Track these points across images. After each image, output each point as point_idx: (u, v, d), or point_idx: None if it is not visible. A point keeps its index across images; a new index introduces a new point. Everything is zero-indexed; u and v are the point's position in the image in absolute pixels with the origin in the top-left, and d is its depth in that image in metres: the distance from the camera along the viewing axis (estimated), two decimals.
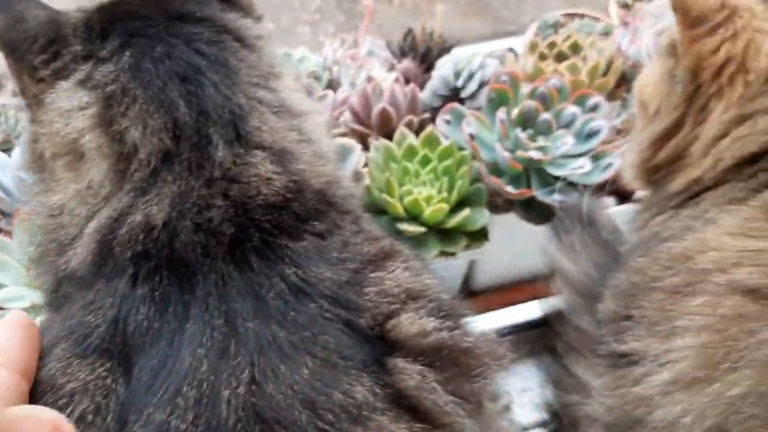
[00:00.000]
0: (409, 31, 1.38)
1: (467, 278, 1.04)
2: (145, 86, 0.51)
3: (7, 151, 1.00)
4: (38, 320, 0.57)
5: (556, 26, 1.46)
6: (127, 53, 0.53)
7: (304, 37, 2.92)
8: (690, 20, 0.67)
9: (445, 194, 0.91)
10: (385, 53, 1.35)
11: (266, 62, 0.58)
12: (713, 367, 0.55)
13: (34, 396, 0.46)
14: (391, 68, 1.29)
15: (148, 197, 0.49)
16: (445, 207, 0.90)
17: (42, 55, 0.54)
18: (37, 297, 0.84)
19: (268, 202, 0.51)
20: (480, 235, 0.94)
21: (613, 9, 1.55)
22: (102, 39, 0.54)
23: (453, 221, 0.91)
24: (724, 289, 0.56)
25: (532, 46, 1.09)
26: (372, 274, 0.51)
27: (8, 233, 0.89)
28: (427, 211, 0.89)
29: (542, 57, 1.08)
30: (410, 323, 0.48)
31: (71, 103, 0.52)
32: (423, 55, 1.31)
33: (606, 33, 1.31)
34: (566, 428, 0.76)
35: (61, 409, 0.43)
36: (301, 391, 0.43)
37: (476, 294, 1.06)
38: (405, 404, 0.46)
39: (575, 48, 1.08)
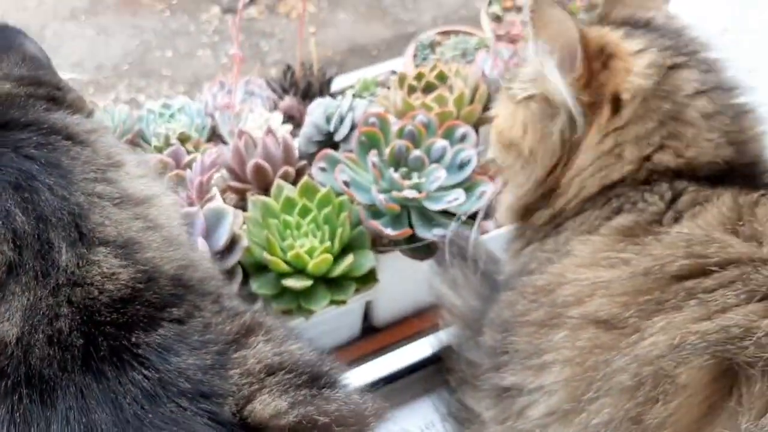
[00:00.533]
0: (288, 68, 1.38)
1: (366, 318, 1.05)
2: None
3: None
4: None
5: (432, 45, 1.49)
6: None
7: (206, 59, 2.88)
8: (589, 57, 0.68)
9: (327, 243, 0.91)
10: (267, 92, 1.34)
11: (102, 155, 0.57)
12: (578, 398, 0.57)
13: None
14: (275, 106, 1.29)
15: None
16: (329, 257, 0.90)
17: None
18: None
19: (113, 297, 0.50)
20: (369, 278, 0.94)
21: (485, 22, 1.60)
22: None
23: (339, 269, 0.91)
24: (580, 323, 0.59)
25: (401, 81, 1.11)
26: (235, 354, 0.51)
27: None
28: (312, 263, 0.89)
29: (411, 89, 1.10)
30: (264, 407, 0.48)
31: None
32: (304, 90, 1.31)
33: (479, 47, 1.35)
34: None
35: None
36: None
37: (379, 330, 1.07)
38: None
39: (442, 77, 1.11)
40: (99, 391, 0.47)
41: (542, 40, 0.67)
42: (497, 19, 1.63)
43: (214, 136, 1.30)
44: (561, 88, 0.66)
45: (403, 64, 1.43)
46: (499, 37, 1.53)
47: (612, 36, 0.69)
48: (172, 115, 1.27)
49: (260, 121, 1.15)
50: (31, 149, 0.53)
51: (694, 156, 0.65)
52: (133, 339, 0.49)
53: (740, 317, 0.51)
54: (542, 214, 0.74)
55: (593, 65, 0.66)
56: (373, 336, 1.07)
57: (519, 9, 1.57)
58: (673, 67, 0.66)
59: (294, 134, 1.10)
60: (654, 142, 0.65)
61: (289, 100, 1.29)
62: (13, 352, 0.47)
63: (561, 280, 0.63)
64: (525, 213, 0.75)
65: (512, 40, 1.47)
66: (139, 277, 0.52)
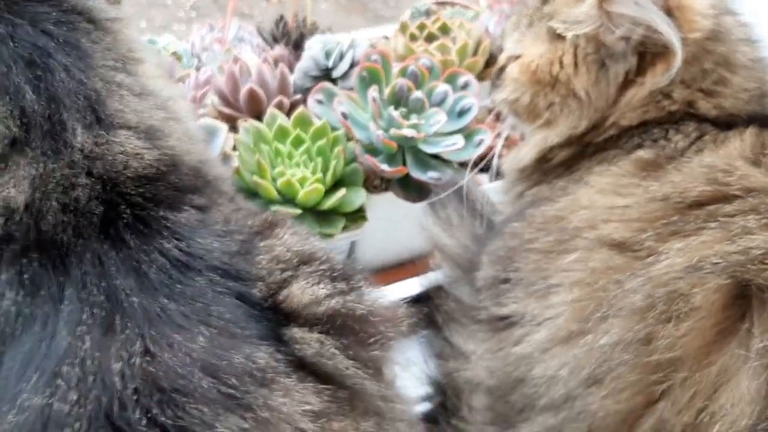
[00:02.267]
0: (281, 18, 1.34)
1: (349, 259, 1.02)
2: None
3: None
4: None
5: (428, 13, 1.47)
6: None
7: (181, 34, 2.82)
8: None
9: (320, 175, 0.89)
10: (257, 40, 1.30)
11: (124, 46, 0.55)
12: (586, 319, 0.56)
13: None
14: (263, 55, 1.25)
15: (1, 181, 0.46)
16: (321, 188, 0.87)
17: None
18: None
19: (139, 174, 0.49)
20: (358, 216, 0.92)
21: None
22: None
23: (329, 202, 0.88)
24: (593, 244, 0.58)
25: (403, 27, 1.10)
26: (261, 243, 0.51)
27: None
28: (302, 193, 0.86)
29: (413, 38, 1.08)
30: (302, 292, 0.48)
31: None
32: (296, 41, 1.27)
33: (475, 19, 1.34)
34: (449, 398, 0.76)
35: None
36: (200, 359, 0.41)
37: None
38: (307, 370, 0.46)
39: (444, 29, 1.09)
40: (119, 258, 0.45)
41: None
42: None
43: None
44: (662, 23, 0.62)
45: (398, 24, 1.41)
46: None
47: None
48: (158, 52, 1.23)
49: (249, 62, 1.12)
50: (49, 25, 0.51)
51: (730, 106, 0.64)
52: (161, 213, 0.48)
53: (761, 240, 0.51)
54: (561, 153, 0.73)
55: (670, 2, 0.65)
56: None
57: None
58: (724, 12, 0.66)
59: None
60: (704, 86, 0.65)
61: (279, 49, 1.25)
62: (21, 218, 0.46)
63: (574, 207, 0.62)
64: (546, 153, 0.73)
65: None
66: (164, 160, 0.51)
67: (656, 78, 0.65)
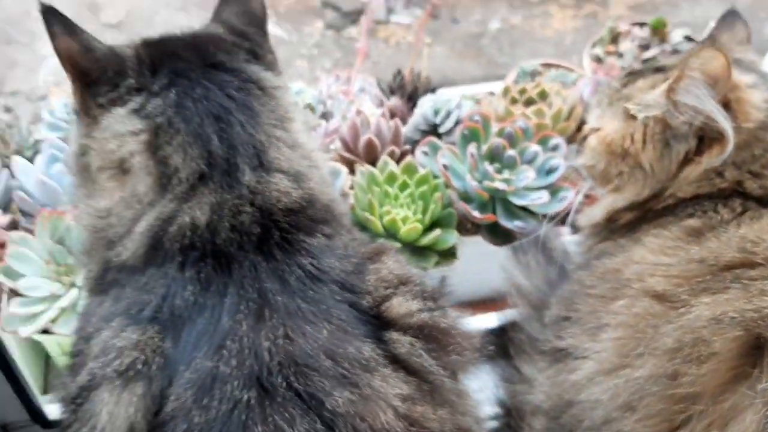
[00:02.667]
0: (399, 72, 1.52)
1: (440, 289, 1.16)
2: (187, 121, 0.64)
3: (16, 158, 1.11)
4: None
5: (533, 74, 1.61)
6: (173, 91, 0.65)
7: (302, 70, 3.05)
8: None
9: (419, 216, 1.04)
10: (376, 90, 1.48)
11: (283, 108, 0.71)
12: (626, 355, 0.67)
13: (87, 356, 0.57)
14: (381, 104, 1.43)
15: (190, 204, 0.62)
16: (419, 227, 1.02)
17: (106, 85, 0.66)
18: (56, 288, 0.95)
19: (287, 207, 0.64)
20: (450, 254, 1.06)
21: (586, 61, 1.71)
22: (152, 75, 0.66)
23: (426, 240, 1.03)
24: (639, 293, 0.69)
25: (505, 91, 1.24)
26: (371, 266, 0.65)
27: (30, 231, 1.01)
28: (403, 230, 1.02)
29: (513, 101, 1.22)
30: (399, 306, 0.62)
31: (125, 128, 0.64)
32: (410, 94, 1.44)
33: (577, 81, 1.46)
34: (514, 418, 0.87)
35: (110, 362, 0.55)
36: (323, 346, 0.56)
37: None
38: (400, 364, 0.59)
39: (543, 95, 1.22)
40: (268, 267, 0.60)
41: (699, 76, 0.73)
42: (598, 60, 1.73)
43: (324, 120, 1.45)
44: (717, 113, 0.73)
45: (504, 85, 1.55)
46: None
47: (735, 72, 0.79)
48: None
49: (369, 113, 1.29)
50: (232, 90, 0.67)
51: None
52: (300, 237, 0.63)
53: None
54: (626, 215, 0.84)
55: (728, 95, 0.75)
56: None
57: (620, 55, 1.67)
58: None
59: None
60: (753, 169, 0.74)
61: (395, 101, 1.42)
62: (202, 233, 0.61)
63: (628, 262, 0.74)
64: (613, 215, 0.84)
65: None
66: (305, 197, 0.66)
67: (711, 159, 0.75)
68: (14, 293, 0.96)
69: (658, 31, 1.68)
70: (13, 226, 1.05)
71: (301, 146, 0.69)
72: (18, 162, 1.07)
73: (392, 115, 1.39)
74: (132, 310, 0.58)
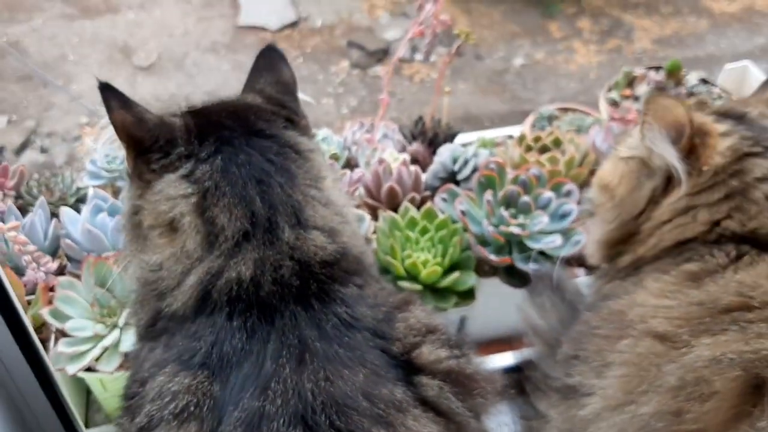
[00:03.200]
0: (420, 118, 1.59)
1: (460, 331, 1.21)
2: (232, 185, 0.70)
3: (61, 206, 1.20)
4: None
5: (550, 118, 1.67)
6: (220, 158, 0.71)
7: (328, 107, 3.04)
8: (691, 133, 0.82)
9: (439, 259, 1.10)
10: (398, 136, 1.55)
11: (316, 169, 0.77)
12: (631, 392, 0.71)
13: (143, 399, 0.63)
14: (403, 149, 1.49)
15: (236, 260, 0.68)
16: (439, 270, 1.08)
17: (158, 152, 0.72)
18: (100, 329, 1.03)
19: (323, 260, 0.70)
20: (468, 295, 1.12)
21: (602, 105, 1.77)
22: (200, 143, 0.72)
23: (445, 282, 1.09)
24: (642, 334, 0.74)
25: (521, 139, 1.30)
26: (399, 315, 0.71)
27: (77, 276, 1.08)
28: (424, 273, 1.08)
29: (528, 148, 1.28)
30: (429, 353, 0.68)
31: (176, 192, 0.70)
32: (431, 139, 1.51)
33: (593, 125, 1.51)
34: None
35: (166, 405, 0.60)
36: (360, 388, 0.61)
37: None
38: (429, 406, 0.64)
39: (557, 142, 1.28)
40: (307, 316, 0.66)
41: (653, 121, 0.83)
42: (614, 104, 1.79)
43: (349, 166, 1.52)
44: (671, 157, 0.80)
45: (521, 130, 1.62)
46: (613, 120, 1.69)
47: (707, 119, 0.85)
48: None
49: (392, 159, 1.36)
50: (272, 155, 0.73)
51: (757, 227, 0.79)
52: (335, 287, 0.69)
53: None
54: (625, 258, 0.89)
55: (694, 141, 0.81)
56: None
57: (636, 98, 1.73)
58: (749, 154, 0.81)
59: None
60: (722, 210, 0.80)
61: (416, 146, 1.49)
62: (248, 287, 0.67)
63: (632, 304, 0.78)
64: (609, 252, 0.90)
65: (625, 122, 1.62)
66: (339, 251, 0.72)
67: (671, 199, 0.81)
68: (61, 334, 1.03)
69: (674, 74, 1.73)
70: (61, 271, 1.13)
71: (333, 203, 0.75)
72: (65, 212, 1.15)
73: (414, 160, 1.46)
74: (184, 356, 0.64)
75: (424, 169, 1.36)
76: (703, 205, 0.82)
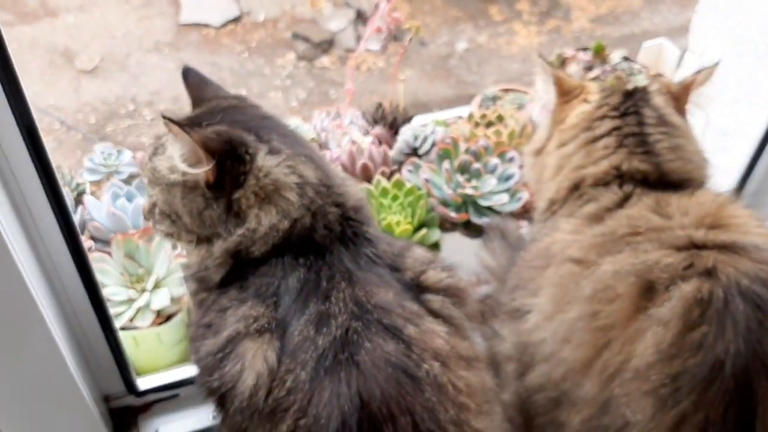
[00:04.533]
0: (380, 105, 1.80)
1: None
2: (300, 147, 0.88)
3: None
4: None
5: (494, 98, 1.91)
6: (274, 135, 0.87)
7: (276, 100, 3.05)
8: (562, 92, 1.13)
9: (409, 219, 1.33)
10: (362, 122, 1.76)
11: (322, 154, 0.97)
12: (558, 304, 0.96)
13: (224, 322, 0.81)
14: (367, 133, 1.71)
15: (308, 211, 0.85)
16: (410, 228, 1.31)
17: (242, 148, 0.84)
18: (132, 293, 1.24)
19: (354, 205, 0.89)
20: (435, 247, 1.35)
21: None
22: (255, 134, 0.86)
23: (415, 238, 1.32)
24: (562, 261, 0.98)
25: (470, 117, 1.54)
26: (407, 252, 0.91)
27: (108, 253, 1.28)
28: (397, 231, 1.31)
29: (476, 124, 1.52)
30: (434, 275, 0.89)
31: (272, 162, 0.84)
32: (391, 122, 1.73)
33: (537, 91, 1.75)
34: (494, 367, 1.16)
35: (250, 324, 0.79)
36: (392, 301, 0.82)
37: None
38: (435, 314, 0.85)
39: (500, 118, 1.52)
40: (347, 253, 0.86)
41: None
42: (554, 67, 2.03)
43: (321, 150, 1.72)
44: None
45: (470, 110, 1.85)
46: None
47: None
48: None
49: (360, 140, 1.58)
50: (300, 138, 0.92)
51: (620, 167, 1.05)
52: (363, 228, 0.89)
53: (653, 257, 0.90)
54: (541, 204, 1.14)
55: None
56: None
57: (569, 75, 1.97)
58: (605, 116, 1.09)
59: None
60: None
61: (378, 129, 1.70)
62: (309, 232, 0.85)
63: (553, 241, 1.03)
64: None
65: None
66: (362, 198, 0.92)
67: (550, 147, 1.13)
68: None
69: (599, 54, 1.98)
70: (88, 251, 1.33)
71: (339, 173, 0.95)
72: (88, 200, 1.35)
73: (379, 142, 1.68)
74: (260, 290, 0.82)
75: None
76: (569, 155, 1.08)
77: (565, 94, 1.13)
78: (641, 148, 1.06)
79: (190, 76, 0.98)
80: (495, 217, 1.34)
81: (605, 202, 1.02)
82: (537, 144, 1.20)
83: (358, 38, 3.15)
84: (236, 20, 3.39)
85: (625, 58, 2.02)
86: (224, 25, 3.37)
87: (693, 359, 0.84)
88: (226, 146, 0.82)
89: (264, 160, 0.84)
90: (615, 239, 0.96)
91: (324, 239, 0.86)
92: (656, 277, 0.89)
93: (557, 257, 0.99)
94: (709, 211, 0.96)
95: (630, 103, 1.09)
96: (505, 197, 1.35)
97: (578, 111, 1.11)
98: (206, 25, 3.35)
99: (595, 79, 1.96)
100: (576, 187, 1.07)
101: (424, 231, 1.32)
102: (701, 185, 1.08)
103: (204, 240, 0.88)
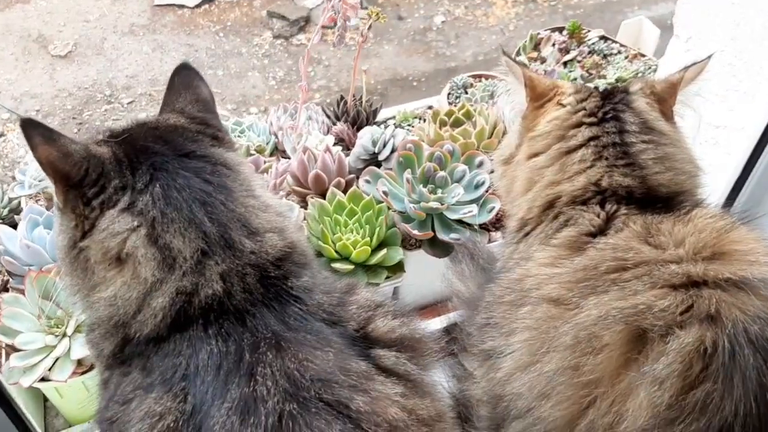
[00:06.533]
0: (342, 98, 1.64)
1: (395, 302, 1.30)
2: (178, 210, 0.73)
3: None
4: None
5: (465, 86, 1.75)
6: (158, 185, 0.73)
7: (255, 80, 3.05)
8: (534, 95, 0.98)
9: (368, 239, 1.18)
10: (322, 117, 1.60)
11: (247, 180, 0.81)
12: (535, 354, 0.82)
13: (128, 422, 0.67)
14: (328, 130, 1.55)
15: (206, 276, 0.72)
16: (368, 248, 1.16)
17: (93, 188, 0.73)
18: (50, 339, 1.08)
19: (276, 257, 0.75)
20: (398, 268, 1.20)
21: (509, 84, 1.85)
22: (133, 173, 0.74)
23: (375, 259, 1.17)
24: (538, 301, 0.83)
25: (434, 116, 1.37)
26: (350, 298, 0.78)
27: (21, 291, 1.12)
28: (354, 253, 1.15)
29: (442, 123, 1.36)
30: (383, 325, 0.76)
31: (123, 227, 0.72)
32: (354, 118, 1.57)
33: (506, 92, 1.60)
34: (464, 409, 1.02)
35: (155, 424, 0.65)
36: (335, 364, 0.69)
37: None
38: (389, 373, 0.73)
39: (468, 115, 1.36)
40: (272, 315, 0.72)
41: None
42: (523, 66, 1.87)
43: (277, 151, 1.57)
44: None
45: (438, 101, 1.69)
46: None
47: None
48: (242, 131, 1.53)
49: (317, 141, 1.42)
50: (207, 175, 0.77)
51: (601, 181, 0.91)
52: (289, 284, 0.75)
53: (644, 299, 0.75)
54: (511, 223, 1.00)
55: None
56: None
57: (543, 59, 1.81)
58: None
59: (345, 154, 1.37)
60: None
61: (340, 126, 1.54)
62: (221, 298, 0.72)
63: (527, 274, 0.88)
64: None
65: None
66: (288, 245, 0.78)
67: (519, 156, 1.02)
68: (12, 349, 1.08)
69: (575, 34, 1.83)
70: (4, 287, 1.17)
71: (270, 206, 0.80)
72: (1, 229, 1.18)
73: (340, 140, 1.52)
74: (167, 374, 0.69)
75: (349, 148, 1.42)
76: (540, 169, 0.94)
77: (538, 97, 0.98)
78: (623, 159, 0.91)
79: (178, 76, 0.86)
80: (464, 231, 1.19)
81: (585, 226, 0.87)
82: (506, 152, 1.05)
83: (335, 13, 3.07)
84: (211, 0, 3.38)
85: (603, 38, 1.87)
86: (199, 5, 3.36)
87: (697, 423, 0.71)
88: (74, 167, 0.73)
89: (111, 221, 0.72)
90: (598, 275, 0.81)
91: (244, 303, 0.72)
92: (649, 324, 0.75)
93: (532, 295, 0.85)
94: (707, 240, 0.81)
95: (608, 108, 0.94)
96: (474, 208, 1.19)
97: (551, 116, 0.96)
98: (181, 6, 3.33)
99: (572, 61, 1.81)
100: (550, 206, 0.92)
101: (384, 251, 1.17)
102: (694, 196, 0.94)
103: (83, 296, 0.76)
